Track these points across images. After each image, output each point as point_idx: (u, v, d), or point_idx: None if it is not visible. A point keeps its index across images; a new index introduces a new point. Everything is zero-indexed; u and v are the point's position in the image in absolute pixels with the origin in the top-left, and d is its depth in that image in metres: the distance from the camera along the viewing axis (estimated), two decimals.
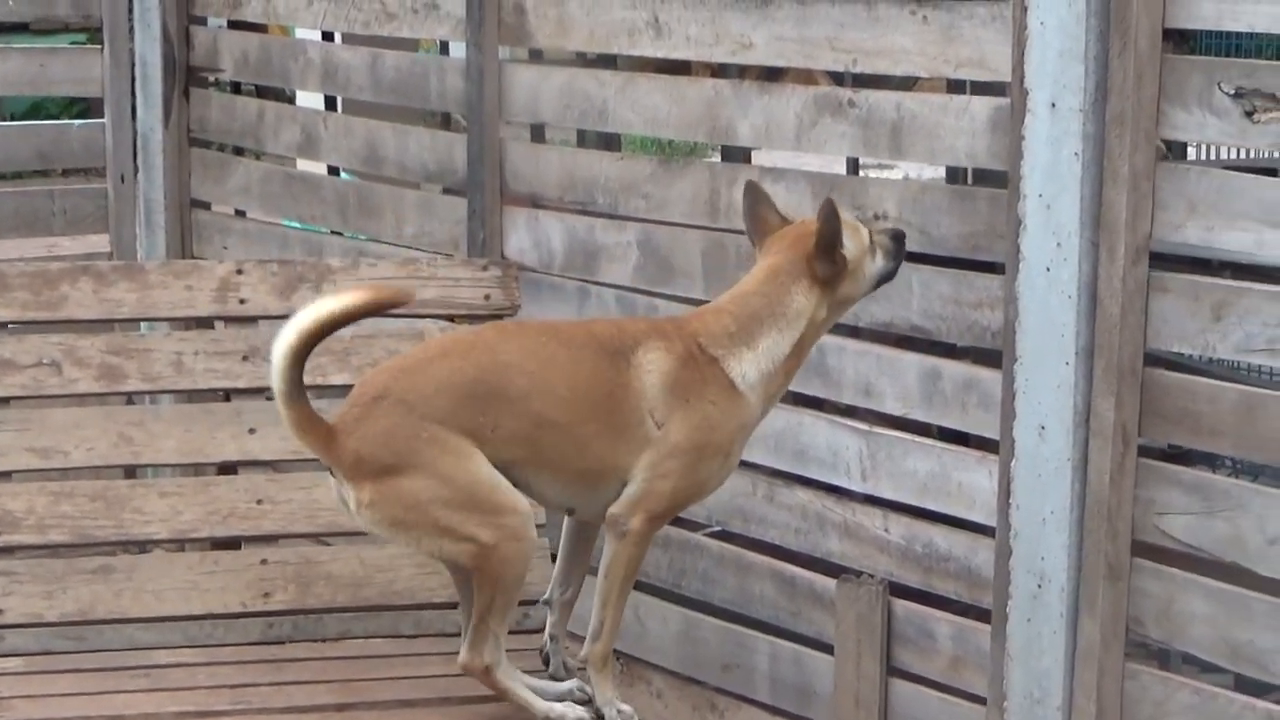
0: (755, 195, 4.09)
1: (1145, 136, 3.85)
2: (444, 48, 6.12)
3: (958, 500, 4.34)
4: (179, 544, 4.84)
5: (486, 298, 4.70)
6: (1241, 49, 5.71)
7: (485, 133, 5.40)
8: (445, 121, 6.79)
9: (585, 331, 3.99)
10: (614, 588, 3.90)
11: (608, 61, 5.72)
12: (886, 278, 4.05)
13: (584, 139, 6.50)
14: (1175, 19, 3.82)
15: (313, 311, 3.75)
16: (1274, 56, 3.93)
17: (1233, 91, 3.72)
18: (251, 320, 4.79)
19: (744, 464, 4.73)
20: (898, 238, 4.05)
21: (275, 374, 3.75)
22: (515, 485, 3.81)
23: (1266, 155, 3.83)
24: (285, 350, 3.73)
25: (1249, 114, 3.70)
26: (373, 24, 5.82)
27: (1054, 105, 3.92)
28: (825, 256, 3.88)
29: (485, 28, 5.34)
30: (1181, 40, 3.91)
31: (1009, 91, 4.06)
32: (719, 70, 5.75)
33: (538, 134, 5.99)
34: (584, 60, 6.12)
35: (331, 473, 3.84)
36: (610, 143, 6.10)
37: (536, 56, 5.58)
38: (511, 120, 5.48)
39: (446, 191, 5.82)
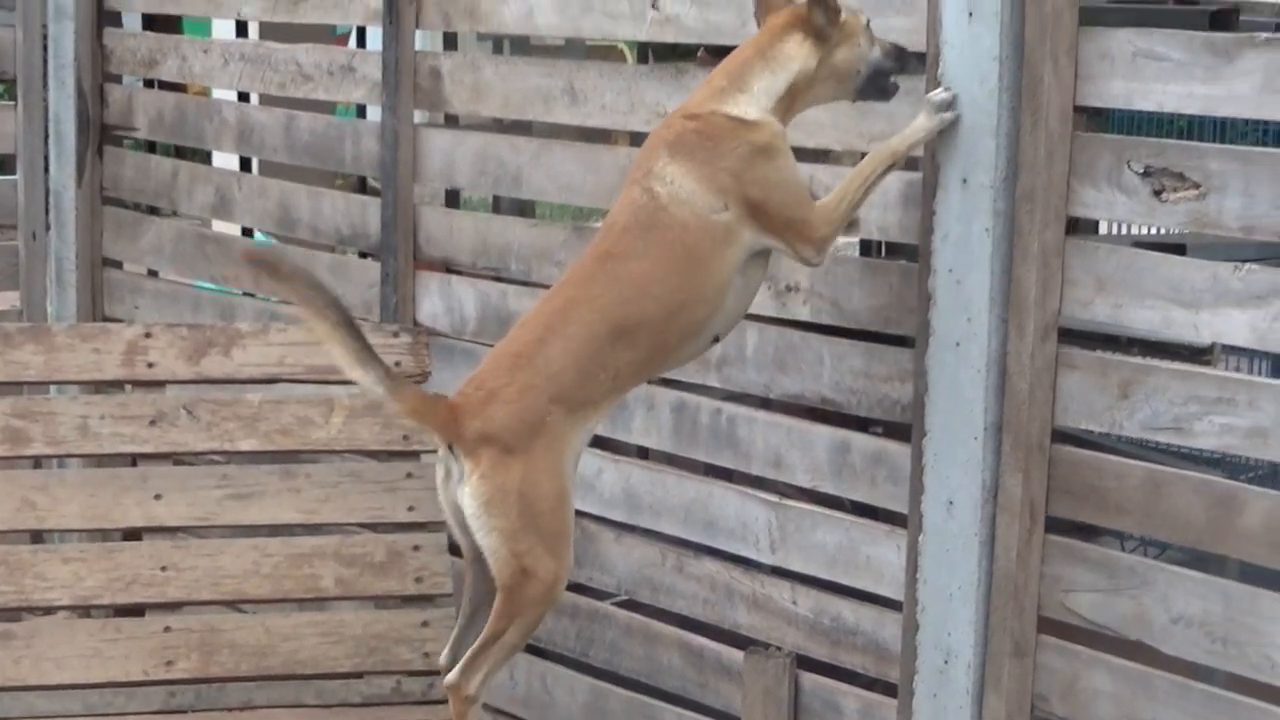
0: None
1: (1055, 213, 3.84)
2: (360, 111, 6.06)
3: (866, 574, 4.31)
4: (81, 610, 4.74)
5: (397, 364, 4.64)
6: (1152, 127, 5.75)
7: (399, 197, 5.36)
8: (360, 185, 6.74)
9: (621, 210, 3.89)
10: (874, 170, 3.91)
11: (523, 128, 5.69)
12: (880, 71, 3.95)
13: (499, 205, 6.46)
14: (1086, 97, 3.82)
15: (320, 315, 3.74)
16: (1182, 135, 3.92)
17: (1142, 170, 3.72)
18: (159, 384, 4.71)
19: (652, 534, 4.73)
20: (902, 53, 3.98)
21: (368, 382, 3.74)
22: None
23: (1178, 231, 3.85)
24: (351, 355, 3.72)
25: (1157, 193, 3.70)
26: (289, 86, 5.77)
27: (965, 181, 3.91)
28: (819, 3, 3.85)
29: (401, 92, 5.30)
30: (1093, 118, 3.91)
31: (921, 166, 4.04)
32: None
33: (452, 199, 5.94)
34: (499, 126, 6.08)
35: (449, 449, 3.77)
36: (524, 209, 6.06)
37: (452, 121, 5.54)
38: (426, 185, 5.44)
39: (360, 255, 5.76)
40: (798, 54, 3.88)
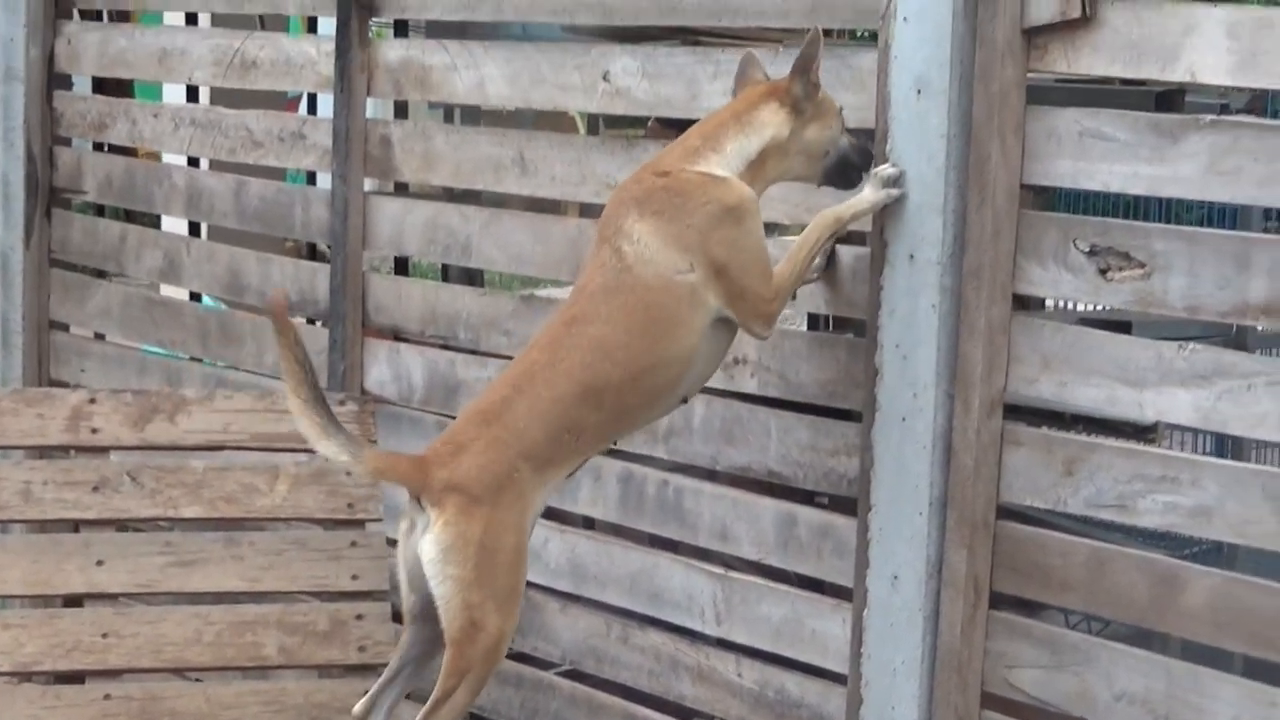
0: (749, 60, 4.10)
1: (1001, 290, 3.86)
2: (310, 178, 6.06)
3: (811, 647, 4.30)
4: (21, 677, 4.68)
5: None
6: (1100, 203, 5.78)
7: (348, 263, 5.35)
8: (310, 250, 6.72)
9: (592, 271, 3.90)
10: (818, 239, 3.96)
11: (473, 197, 5.69)
12: (845, 161, 4.00)
13: (447, 273, 6.46)
14: (1032, 175, 3.85)
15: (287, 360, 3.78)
16: (1129, 212, 3.95)
17: (1087, 249, 3.75)
18: (103, 450, 4.67)
19: (597, 605, 4.71)
20: (868, 150, 4.02)
21: (331, 452, 3.75)
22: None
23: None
24: (312, 421, 3.75)
25: (1103, 271, 3.73)
26: (239, 151, 5.76)
27: (912, 257, 3.93)
28: (800, 76, 3.90)
29: (351, 159, 5.30)
30: (1040, 194, 3.93)
31: (869, 241, 4.06)
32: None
33: (401, 266, 5.93)
34: (449, 195, 6.08)
35: (415, 501, 3.78)
36: (473, 278, 6.06)
37: (402, 189, 5.54)
38: (375, 252, 5.43)
39: (308, 321, 5.74)
40: (772, 121, 3.92)
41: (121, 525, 4.69)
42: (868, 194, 3.93)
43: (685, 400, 4.02)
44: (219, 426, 4.67)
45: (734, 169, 3.88)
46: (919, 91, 3.90)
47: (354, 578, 4.58)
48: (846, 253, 4.17)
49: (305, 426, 3.78)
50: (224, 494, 4.57)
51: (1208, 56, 3.57)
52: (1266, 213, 6.57)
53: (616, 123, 7.34)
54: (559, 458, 3.84)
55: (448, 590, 3.72)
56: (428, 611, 3.78)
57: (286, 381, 3.80)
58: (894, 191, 3.91)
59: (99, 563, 4.52)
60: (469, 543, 3.70)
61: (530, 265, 5.00)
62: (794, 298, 4.10)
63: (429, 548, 3.72)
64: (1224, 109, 4.73)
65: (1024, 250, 3.85)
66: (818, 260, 4.08)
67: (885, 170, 3.92)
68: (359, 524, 4.63)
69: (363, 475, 3.83)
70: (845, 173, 4.02)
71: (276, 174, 6.03)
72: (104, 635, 4.47)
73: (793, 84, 3.91)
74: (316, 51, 5.49)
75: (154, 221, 6.50)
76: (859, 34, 4.47)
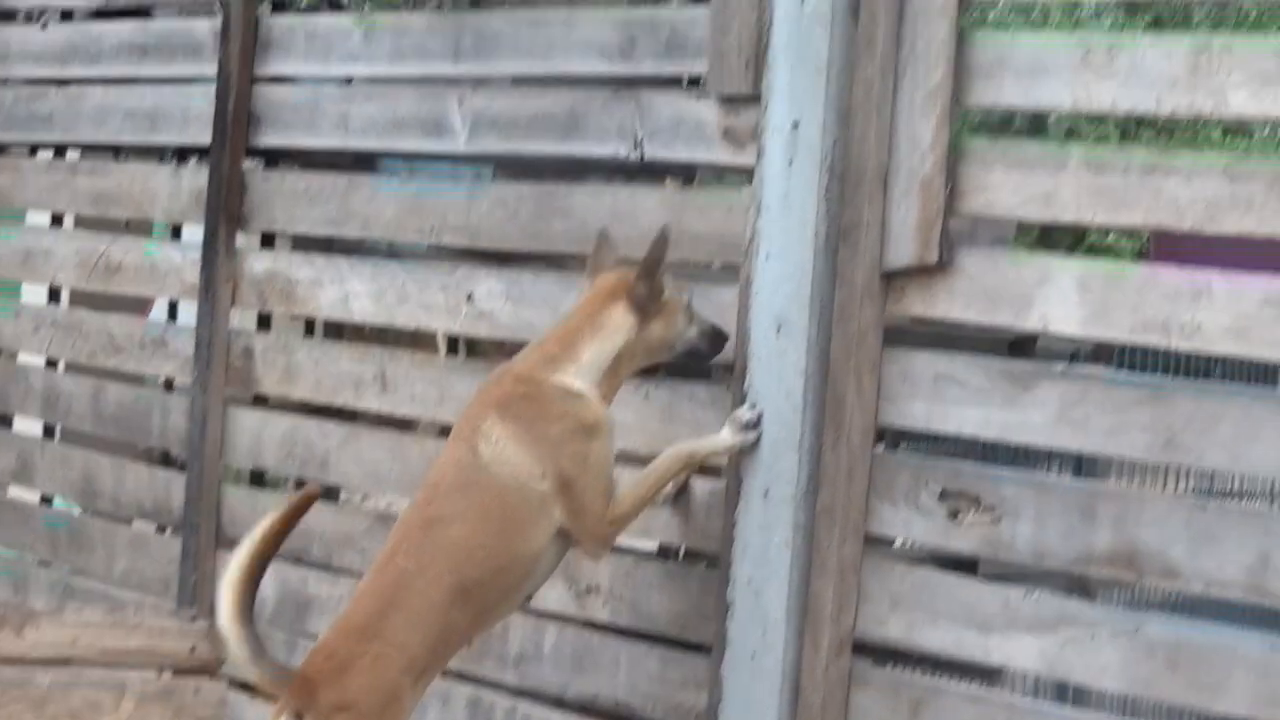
0: (602, 239, 4.12)
1: (854, 529, 3.88)
2: (167, 385, 6.00)
3: None
4: None
5: (193, 650, 4.52)
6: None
7: (204, 474, 5.29)
8: (165, 459, 6.64)
9: (446, 466, 3.91)
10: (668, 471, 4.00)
11: (334, 413, 5.66)
12: (694, 351, 4.04)
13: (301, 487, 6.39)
14: (887, 416, 3.88)
15: (241, 553, 3.75)
16: (980, 459, 4.00)
17: (939, 492, 3.77)
18: None
19: None
20: (718, 335, 4.05)
21: (232, 642, 3.68)
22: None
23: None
24: (232, 613, 3.70)
25: (953, 515, 3.75)
26: (99, 355, 5.72)
27: (767, 493, 3.94)
28: (645, 280, 3.92)
29: (212, 369, 5.28)
30: (894, 438, 3.97)
31: (723, 475, 4.07)
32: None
33: (257, 479, 5.87)
34: (309, 409, 6.05)
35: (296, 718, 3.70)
36: (330, 494, 5.99)
37: (262, 402, 5.50)
38: (232, 464, 5.38)
39: (159, 530, 5.67)
40: (622, 324, 3.95)
41: None
42: (725, 435, 3.95)
43: (529, 598, 4.03)
44: (67, 640, 4.56)
45: (591, 378, 3.91)
46: (779, 328, 3.94)
47: None
48: (701, 486, 4.18)
49: (230, 600, 3.72)
50: (68, 710, 4.45)
51: (1060, 307, 3.64)
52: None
53: (477, 344, 7.33)
54: (435, 665, 3.83)
55: None
56: None
57: (240, 569, 3.75)
58: (751, 435, 3.94)
59: None
60: None
61: (388, 483, 4.97)
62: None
63: None
64: (1074, 356, 4.83)
65: (877, 491, 3.87)
66: (667, 489, 4.09)
67: (744, 414, 3.94)
68: None
69: (256, 679, 3.75)
70: (694, 360, 4.08)
71: (136, 380, 5.97)
72: None
73: (637, 286, 3.94)
74: (182, 259, 5.48)
75: (5, 422, 6.39)
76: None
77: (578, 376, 3.91)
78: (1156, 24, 6.34)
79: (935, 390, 3.81)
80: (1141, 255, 8.86)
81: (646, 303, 3.95)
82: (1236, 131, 8.52)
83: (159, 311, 6.54)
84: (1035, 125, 5.79)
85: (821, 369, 3.91)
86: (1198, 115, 3.53)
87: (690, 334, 4.03)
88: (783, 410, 3.93)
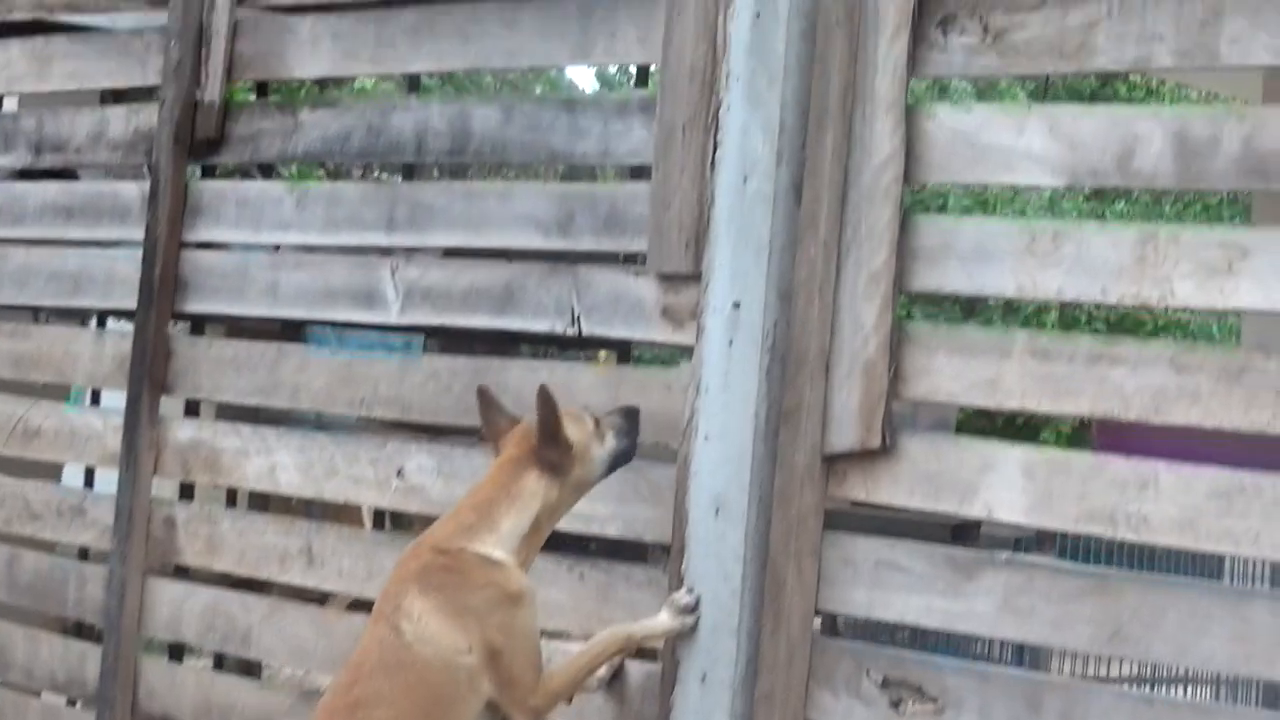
0: (485, 399, 4.03)
1: (794, 717, 3.81)
2: (83, 554, 5.86)
3: None
4: None
5: None
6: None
7: (121, 646, 5.16)
8: (80, 629, 6.50)
9: (369, 648, 3.79)
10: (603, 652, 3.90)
11: (257, 585, 5.56)
12: (623, 456, 3.97)
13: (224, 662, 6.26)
14: (828, 602, 3.84)
15: None
16: (927, 642, 3.96)
17: (880, 681, 3.72)
18: None
19: None
20: (630, 414, 3.98)
21: None
22: None
23: None
24: None
25: (895, 704, 3.70)
26: (14, 522, 5.59)
27: (704, 678, 3.87)
28: (549, 444, 3.84)
29: (132, 539, 5.16)
30: (834, 624, 3.91)
31: (660, 659, 4.00)
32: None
33: (176, 652, 5.74)
34: (230, 582, 5.94)
35: None
36: (251, 669, 5.87)
37: (183, 573, 5.38)
38: (151, 636, 5.25)
39: (70, 703, 5.52)
40: (538, 490, 3.87)
41: None
42: (663, 619, 3.89)
43: None
44: None
45: (510, 546, 3.83)
46: (718, 511, 3.89)
47: None
48: (636, 669, 4.10)
49: None
50: None
51: (1004, 494, 3.62)
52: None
53: (404, 519, 7.25)
54: None
55: None
56: None
57: None
58: (689, 620, 3.87)
59: None
60: None
61: (313, 660, 4.86)
62: (569, 702, 4.00)
63: None
64: (1018, 543, 4.81)
65: (817, 678, 3.81)
66: (601, 672, 4.01)
67: (682, 598, 3.88)
68: None
69: None
70: (627, 460, 4.01)
71: (50, 547, 5.85)
72: None
73: (543, 454, 3.87)
74: (103, 425, 5.38)
75: None
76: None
77: (497, 546, 3.83)
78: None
79: (877, 576, 3.76)
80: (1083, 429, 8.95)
81: (557, 463, 3.89)
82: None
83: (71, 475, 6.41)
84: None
85: (761, 553, 3.86)
86: (1144, 304, 3.53)
87: (608, 449, 3.96)
88: (721, 594, 3.87)
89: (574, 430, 3.92)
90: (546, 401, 3.84)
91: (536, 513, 3.88)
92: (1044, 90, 17.23)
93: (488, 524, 3.85)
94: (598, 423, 3.97)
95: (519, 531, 3.86)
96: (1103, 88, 18.55)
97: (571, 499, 3.97)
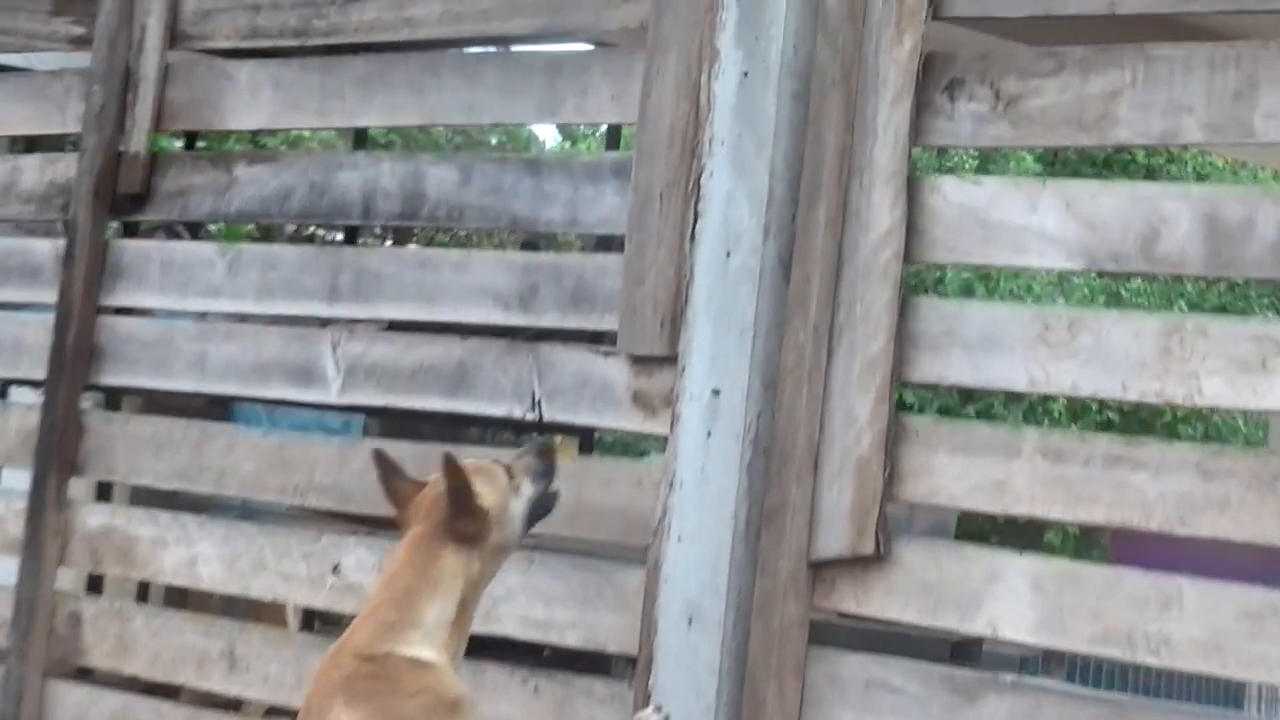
0: (383, 464, 3.96)
1: None
2: None
3: None
4: None
5: None
6: None
7: None
8: None
9: None
10: None
11: (171, 692, 5.53)
12: (544, 503, 3.91)
13: None
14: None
15: None
16: None
17: None
18: None
19: None
20: (543, 451, 3.92)
21: None
22: None
23: None
24: None
25: None
26: None
27: None
28: (462, 514, 3.76)
29: (32, 636, 5.13)
30: None
31: None
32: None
33: None
34: (142, 686, 5.90)
35: None
36: None
37: (88, 675, 5.35)
38: None
39: None
40: (457, 568, 3.81)
41: None
42: None
43: None
44: None
45: (439, 641, 3.77)
46: (691, 620, 3.88)
47: None
48: None
49: None
50: None
51: (1011, 609, 3.61)
52: None
53: (336, 619, 7.21)
54: None
55: None
56: None
57: None
58: None
59: None
60: None
61: None
62: None
63: None
64: (1024, 663, 4.81)
65: None
66: None
67: (649, 716, 3.87)
68: None
69: None
70: (548, 506, 3.95)
71: None
72: None
73: (459, 527, 3.81)
74: (4, 508, 5.35)
75: None
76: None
77: (424, 643, 3.77)
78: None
79: (867, 698, 3.76)
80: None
81: (474, 533, 3.84)
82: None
83: None
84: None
85: (738, 668, 3.85)
86: (1169, 402, 3.54)
87: (525, 505, 3.89)
88: (693, 713, 3.86)
89: (487, 492, 3.86)
90: (455, 472, 3.79)
91: (460, 594, 3.83)
92: (1054, 158, 17.35)
93: (410, 619, 3.80)
94: (510, 471, 3.94)
95: (445, 620, 3.81)
96: (1118, 154, 18.67)
97: (495, 566, 3.93)
